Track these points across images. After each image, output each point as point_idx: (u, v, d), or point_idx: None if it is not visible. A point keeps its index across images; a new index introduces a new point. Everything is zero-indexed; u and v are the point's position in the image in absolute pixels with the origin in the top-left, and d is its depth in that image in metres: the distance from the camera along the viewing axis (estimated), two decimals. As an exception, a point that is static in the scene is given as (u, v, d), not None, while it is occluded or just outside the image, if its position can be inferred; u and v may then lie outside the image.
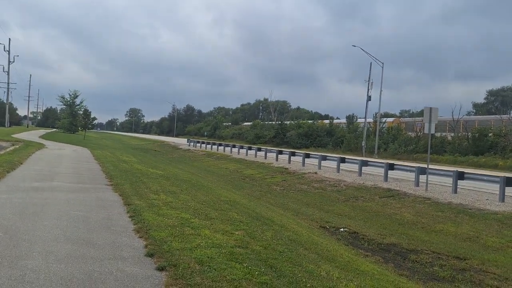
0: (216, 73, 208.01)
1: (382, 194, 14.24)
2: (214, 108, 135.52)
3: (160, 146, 49.07)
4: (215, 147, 39.61)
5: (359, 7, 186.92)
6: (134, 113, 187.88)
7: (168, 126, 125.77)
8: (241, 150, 33.68)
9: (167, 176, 14.59)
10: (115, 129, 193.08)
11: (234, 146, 36.12)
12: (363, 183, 16.43)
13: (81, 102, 64.08)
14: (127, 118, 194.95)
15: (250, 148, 32.97)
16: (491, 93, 69.62)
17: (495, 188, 12.80)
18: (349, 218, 11.51)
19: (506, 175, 13.15)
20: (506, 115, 39.53)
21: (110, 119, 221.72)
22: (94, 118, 53.21)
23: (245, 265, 4.70)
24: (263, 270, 4.56)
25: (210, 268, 4.45)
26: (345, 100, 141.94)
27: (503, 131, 32.90)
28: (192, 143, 46.78)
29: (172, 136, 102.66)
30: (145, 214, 7.08)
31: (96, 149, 28.07)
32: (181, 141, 57.59)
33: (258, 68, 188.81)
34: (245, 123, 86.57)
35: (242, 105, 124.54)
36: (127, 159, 21.42)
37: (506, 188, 12.43)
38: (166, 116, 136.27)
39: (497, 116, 40.39)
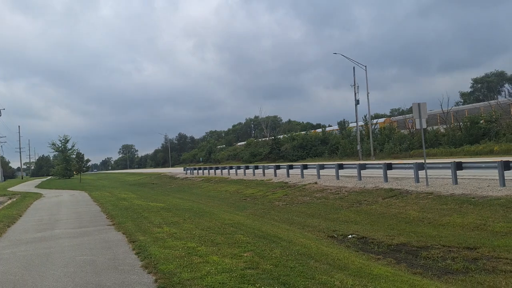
0: (204, 98, 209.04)
1: (384, 195, 14.24)
2: (206, 132, 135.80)
3: (157, 178, 48.86)
4: (212, 171, 39.54)
5: (335, 14, 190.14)
6: (127, 149, 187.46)
7: (163, 157, 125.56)
8: (238, 171, 33.65)
9: (168, 207, 14.52)
10: (110, 168, 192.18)
11: (231, 168, 36.10)
12: (364, 187, 16.43)
13: (72, 146, 63.73)
14: (120, 155, 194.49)
15: (247, 167, 32.95)
16: (476, 81, 70.52)
17: (494, 173, 12.85)
18: (356, 224, 11.47)
19: (503, 159, 13.22)
20: (494, 101, 39.95)
21: (104, 159, 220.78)
22: (88, 160, 52.92)
23: (257, 285, 4.67)
24: (276, 288, 4.53)
25: (223, 294, 4.41)
26: (335, 107, 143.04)
27: (494, 117, 33.23)
28: (189, 171, 46.67)
29: (168, 166, 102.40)
30: (151, 249, 7.02)
31: (94, 190, 27.89)
32: (178, 170, 57.39)
33: (245, 88, 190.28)
34: (239, 143, 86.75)
35: (233, 125, 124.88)
36: (126, 196, 21.30)
37: (505, 172, 12.50)
38: (160, 148, 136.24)
39: (485, 102, 40.83)
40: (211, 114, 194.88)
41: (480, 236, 8.52)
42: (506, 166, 12.57)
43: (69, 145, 63.55)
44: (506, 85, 67.42)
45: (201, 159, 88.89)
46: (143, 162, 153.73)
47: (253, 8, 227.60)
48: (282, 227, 10.78)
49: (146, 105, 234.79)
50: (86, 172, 72.31)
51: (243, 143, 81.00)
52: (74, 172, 57.17)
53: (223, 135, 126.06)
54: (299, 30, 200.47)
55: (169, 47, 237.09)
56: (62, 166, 62.39)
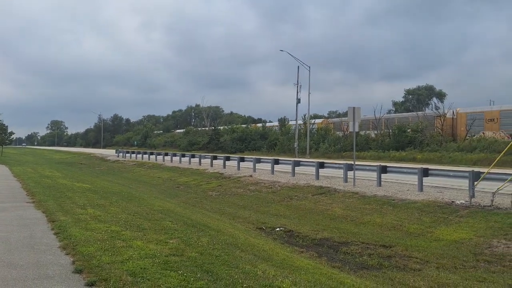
0: (145, 80, 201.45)
1: (314, 192, 14.75)
2: (144, 116, 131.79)
3: (87, 159, 46.67)
4: (146, 156, 38.48)
5: (290, 10, 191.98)
6: (56, 126, 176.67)
7: (95, 137, 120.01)
8: (174, 158, 33.07)
9: (95, 189, 13.93)
10: (36, 143, 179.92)
11: (166, 154, 35.37)
12: (297, 183, 16.91)
13: (-5, 116, 58.95)
14: (49, 131, 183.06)
15: (183, 155, 32.49)
16: (408, 92, 75.09)
17: (414, 179, 13.83)
18: (285, 218, 11.78)
19: (423, 167, 14.26)
20: (421, 112, 42.88)
21: (30, 133, 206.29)
22: (12, 133, 49.18)
23: (180, 272, 4.63)
24: (199, 276, 4.53)
25: (143, 279, 4.33)
26: (278, 103, 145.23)
27: (420, 127, 35.66)
28: (121, 154, 45.05)
29: (99, 147, 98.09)
30: (71, 230, 6.72)
31: (16, 165, 26.01)
32: (110, 152, 55.20)
33: (191, 74, 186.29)
34: (178, 131, 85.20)
35: (173, 112, 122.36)
36: (50, 174, 20.11)
37: (423, 178, 13.50)
38: (92, 127, 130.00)
39: (414, 113, 43.66)
40: (152, 97, 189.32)
41: (396, 236, 9.14)
42: (425, 173, 13.57)
43: (-9, 115, 58.59)
44: (434, 99, 72.61)
45: (135, 143, 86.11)
46: (73, 140, 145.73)
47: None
48: (213, 217, 10.79)
49: (82, 80, 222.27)
50: (9, 146, 67.27)
51: (181, 130, 79.69)
52: (-5, 145, 52.94)
53: (162, 120, 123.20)
54: (253, 21, 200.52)
55: (114, 21, 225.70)
56: (-19, 137, 57.43)
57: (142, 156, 39.12)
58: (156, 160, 35.34)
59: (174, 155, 34.09)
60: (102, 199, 11.12)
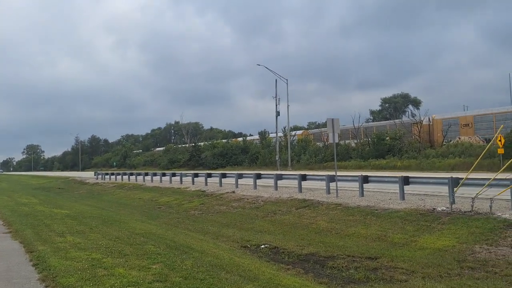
0: (122, 99, 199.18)
1: (298, 205, 14.72)
2: (122, 136, 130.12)
3: (65, 183, 45.62)
4: (126, 177, 37.82)
5: (265, 24, 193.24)
6: (32, 150, 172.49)
7: (72, 160, 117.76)
8: (154, 178, 32.63)
9: (73, 215, 13.57)
10: (11, 169, 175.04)
11: (146, 174, 34.88)
12: (280, 197, 16.85)
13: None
14: (25, 156, 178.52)
15: (164, 174, 32.08)
16: (385, 101, 76.50)
17: (396, 187, 13.96)
18: (269, 234, 11.68)
19: (403, 175, 14.42)
20: (398, 120, 43.67)
21: (5, 159, 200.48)
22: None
23: (164, 300, 4.50)
24: (184, 303, 4.41)
25: (126, 310, 4.19)
26: (258, 116, 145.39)
27: (398, 135, 36.29)
28: (100, 176, 44.21)
29: (78, 170, 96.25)
30: (50, 260, 6.50)
31: (-11, 193, 25.17)
32: (88, 175, 54.12)
33: (168, 91, 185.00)
34: (157, 149, 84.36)
35: (152, 130, 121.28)
36: (27, 201, 19.54)
37: (404, 186, 13.64)
38: (69, 150, 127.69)
39: (391, 121, 44.45)
40: (129, 116, 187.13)
41: (381, 247, 9.15)
42: (405, 181, 13.72)
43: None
44: (410, 106, 74.13)
45: (114, 163, 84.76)
46: (50, 164, 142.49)
47: (182, 9, 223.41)
48: (196, 237, 10.62)
49: (57, 102, 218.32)
50: (-18, 173, 65.22)
51: (161, 148, 78.96)
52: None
53: (141, 139, 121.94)
54: (228, 36, 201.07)
55: (88, 41, 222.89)
56: (-47, 165, 55.47)
57: (122, 177, 38.45)
58: (136, 180, 34.78)
59: (155, 174, 33.65)
60: (82, 225, 10.83)
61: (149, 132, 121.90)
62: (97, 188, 35.14)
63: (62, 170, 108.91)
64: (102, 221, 12.12)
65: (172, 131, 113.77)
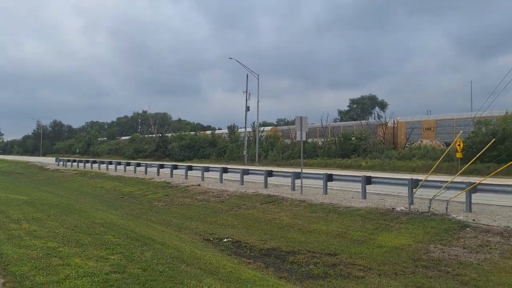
0: (89, 85, 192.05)
1: (263, 201, 14.81)
2: (87, 122, 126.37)
3: (24, 168, 43.92)
4: (88, 165, 36.86)
5: (240, 17, 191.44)
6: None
7: (33, 144, 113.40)
8: (118, 167, 31.95)
9: (31, 201, 13.09)
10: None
11: (110, 163, 34.11)
12: (245, 191, 16.89)
13: None
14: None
15: (128, 164, 31.44)
16: (353, 101, 78.01)
17: (358, 186, 14.30)
18: (232, 228, 11.69)
19: (366, 175, 14.78)
20: (365, 121, 44.67)
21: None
22: None
23: (121, 291, 4.42)
24: (141, 294, 4.35)
25: (80, 301, 4.08)
26: (228, 110, 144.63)
27: (364, 135, 37.13)
28: (61, 162, 42.86)
29: (38, 155, 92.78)
30: (3, 247, 6.26)
31: None
32: (49, 161, 52.34)
33: (137, 79, 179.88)
34: (123, 138, 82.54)
35: (118, 118, 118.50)
36: (-18, 185, 18.67)
37: (367, 186, 13.99)
38: (30, 134, 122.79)
39: (358, 122, 45.40)
40: (95, 103, 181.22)
41: (341, 244, 9.35)
42: (368, 181, 14.08)
43: None
44: (377, 108, 75.99)
45: (77, 150, 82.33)
46: (9, 148, 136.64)
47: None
48: (158, 229, 10.48)
49: (20, 84, 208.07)
50: None
51: (127, 137, 77.32)
52: None
53: (106, 127, 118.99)
54: (202, 27, 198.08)
55: (55, 23, 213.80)
56: None
57: (85, 164, 37.43)
58: (99, 169, 33.94)
59: (119, 163, 32.94)
60: (39, 212, 10.46)
61: (115, 120, 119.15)
62: (57, 175, 34.06)
63: (22, 155, 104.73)
64: (61, 209, 11.75)
65: (139, 121, 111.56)
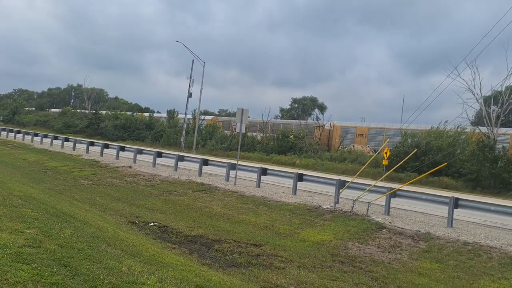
0: (22, 50, 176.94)
1: (195, 188, 14.74)
2: (15, 89, 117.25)
3: None
4: (12, 134, 34.35)
5: (192, 1, 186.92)
6: None
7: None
8: (44, 139, 30.11)
9: None
10: None
11: (36, 134, 32.03)
12: (178, 178, 16.70)
13: None
14: None
15: (56, 138, 29.74)
16: (295, 101, 79.80)
17: (290, 182, 14.73)
18: (161, 213, 11.53)
19: (299, 172, 15.27)
20: (304, 121, 45.94)
21: None
22: None
23: (34, 266, 4.21)
24: (55, 270, 4.17)
25: (-13, 273, 3.83)
26: (170, 95, 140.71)
27: (301, 134, 38.19)
28: (-19, 129, 39.51)
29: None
30: None
31: None
32: (-33, 126, 47.95)
33: (76, 50, 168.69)
34: (53, 110, 77.67)
35: (50, 89, 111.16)
36: None
37: (298, 183, 14.46)
38: None
39: (297, 121, 46.59)
40: (27, 70, 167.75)
41: (267, 235, 9.60)
42: (300, 178, 14.55)
43: None
44: (316, 110, 78.41)
45: (1, 118, 76.18)
46: None
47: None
48: (81, 207, 10.06)
49: None
50: None
51: (58, 110, 72.90)
52: None
53: (36, 97, 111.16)
54: (152, 4, 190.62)
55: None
56: None
57: (8, 134, 34.83)
58: (23, 140, 31.73)
59: (45, 136, 31.06)
60: None
61: (46, 90, 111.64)
62: (-26, 142, 31.33)
63: None
64: (-26, 177, 10.86)
65: (73, 94, 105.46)
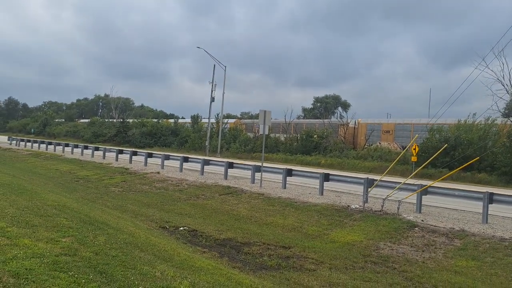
0: (50, 63, 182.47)
1: (221, 192, 14.84)
2: (45, 102, 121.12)
3: (-27, 145, 41.55)
4: (44, 146, 35.48)
5: (215, 6, 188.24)
6: None
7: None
8: (75, 150, 30.96)
9: (-21, 179, 12.46)
10: None
11: (67, 145, 32.96)
12: (205, 182, 16.85)
13: None
14: None
15: (86, 147, 30.53)
16: (317, 100, 79.28)
17: (317, 183, 14.62)
18: (189, 217, 11.65)
19: (325, 172, 15.14)
20: (327, 120, 45.56)
21: None
22: None
23: (70, 274, 4.33)
24: (91, 277, 4.28)
25: (27, 281, 3.97)
26: (193, 100, 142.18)
27: (325, 134, 37.88)
28: (14, 142, 41.02)
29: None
30: None
31: None
32: (1, 139, 49.84)
33: (102, 61, 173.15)
34: (82, 120, 79.87)
35: (78, 100, 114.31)
36: None
37: (324, 183, 14.34)
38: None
39: (320, 120, 46.24)
40: (56, 82, 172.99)
41: (295, 237, 9.56)
42: (326, 178, 14.42)
43: None
44: (340, 108, 77.67)
45: (33, 130, 78.82)
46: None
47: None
48: (113, 214, 10.28)
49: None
50: None
51: (86, 120, 74.86)
52: None
53: (65, 108, 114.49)
54: (174, 12, 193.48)
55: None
56: None
57: (39, 145, 35.99)
58: (55, 150, 32.73)
59: (76, 146, 31.91)
60: (-14, 191, 9.98)
61: (75, 101, 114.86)
62: (9, 154, 32.51)
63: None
64: (11, 189, 11.26)
65: (100, 104, 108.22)
